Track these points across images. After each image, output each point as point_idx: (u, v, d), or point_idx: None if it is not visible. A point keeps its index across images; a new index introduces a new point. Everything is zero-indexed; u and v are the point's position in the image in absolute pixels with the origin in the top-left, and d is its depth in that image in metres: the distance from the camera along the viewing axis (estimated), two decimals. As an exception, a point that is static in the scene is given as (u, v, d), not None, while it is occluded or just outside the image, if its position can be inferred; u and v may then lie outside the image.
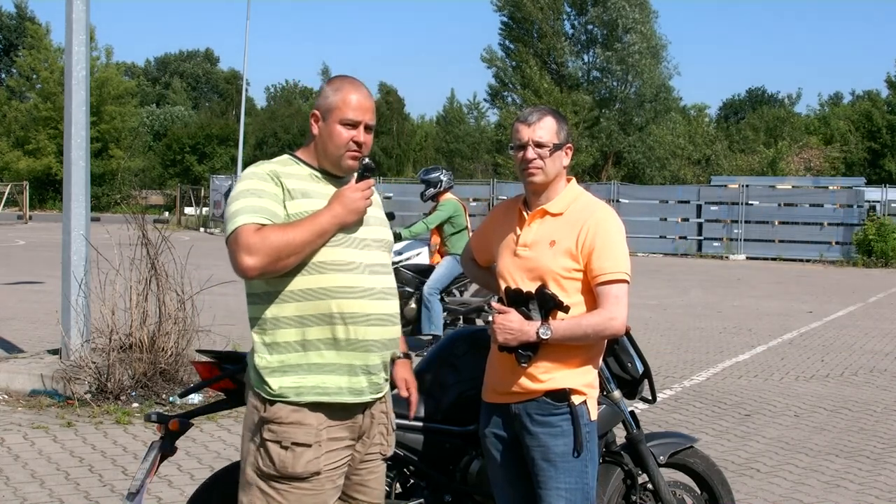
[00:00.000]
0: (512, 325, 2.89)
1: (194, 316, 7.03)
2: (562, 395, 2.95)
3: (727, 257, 26.85)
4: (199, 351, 3.49)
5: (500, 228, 3.16)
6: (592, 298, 2.95)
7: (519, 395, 2.99)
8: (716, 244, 27.38)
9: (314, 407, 2.63)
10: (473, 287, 9.28)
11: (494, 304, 3.01)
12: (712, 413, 7.08)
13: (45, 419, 6.19)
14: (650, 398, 3.55)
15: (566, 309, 2.90)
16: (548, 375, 2.95)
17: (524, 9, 47.25)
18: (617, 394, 3.39)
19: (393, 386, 2.93)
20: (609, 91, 48.79)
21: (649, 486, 3.53)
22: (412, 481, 3.40)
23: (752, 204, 27.33)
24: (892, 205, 26.20)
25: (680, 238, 28.12)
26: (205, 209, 41.09)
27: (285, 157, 2.80)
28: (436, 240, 9.20)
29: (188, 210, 43.24)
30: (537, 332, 2.87)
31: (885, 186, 27.67)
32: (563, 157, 3.05)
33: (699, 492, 3.76)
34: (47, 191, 53.47)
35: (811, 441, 6.30)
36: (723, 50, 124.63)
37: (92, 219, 7.62)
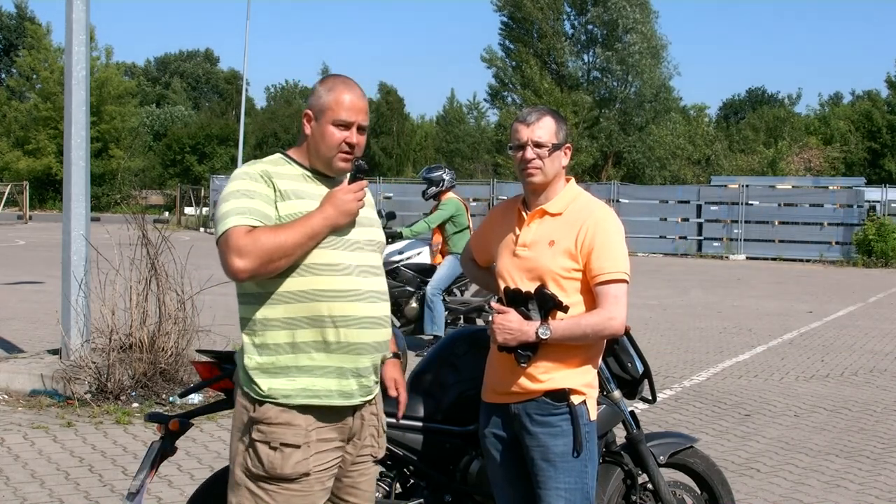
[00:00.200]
0: (511, 324, 2.89)
1: (194, 316, 7.03)
2: (561, 395, 2.95)
3: (727, 257, 26.85)
4: (199, 351, 3.49)
5: (500, 229, 3.16)
6: (591, 298, 2.95)
7: (518, 395, 2.99)
8: (716, 244, 27.38)
9: (303, 408, 2.61)
10: (474, 287, 9.28)
11: (494, 304, 3.01)
12: (712, 413, 7.08)
13: (45, 419, 6.19)
14: (650, 398, 3.55)
15: (565, 309, 2.90)
16: (547, 375, 2.95)
17: (524, 9, 47.27)
18: (617, 394, 3.39)
19: (382, 387, 2.92)
20: (609, 91, 48.81)
21: (649, 486, 3.53)
22: (412, 481, 3.40)
23: (752, 204, 27.34)
24: (892, 205, 26.21)
25: (680, 238, 28.12)
26: (205, 209, 41.07)
27: (277, 156, 2.77)
28: (437, 239, 9.20)
29: (188, 210, 43.24)
30: (536, 332, 2.87)
31: (885, 186, 27.69)
32: (561, 157, 3.05)
33: (699, 492, 3.76)
34: (47, 191, 53.48)
35: (811, 441, 6.30)
36: (723, 50, 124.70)
37: (92, 219, 7.62)
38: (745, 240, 27.04)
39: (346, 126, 2.68)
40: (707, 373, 8.72)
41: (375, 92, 60.65)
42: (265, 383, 2.61)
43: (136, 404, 6.53)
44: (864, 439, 6.37)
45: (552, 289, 2.92)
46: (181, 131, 60.49)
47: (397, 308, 8.98)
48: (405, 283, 8.99)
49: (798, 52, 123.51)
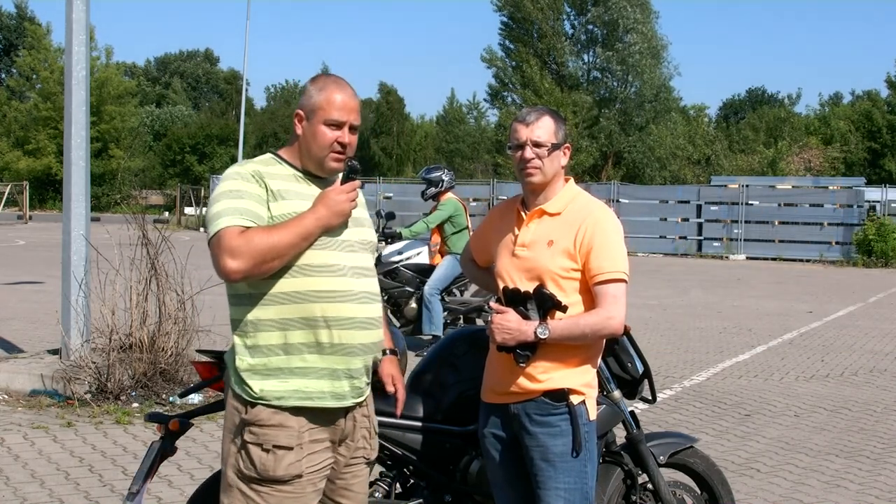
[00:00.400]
0: (510, 324, 2.89)
1: (194, 316, 7.03)
2: (560, 395, 2.95)
3: (727, 257, 26.85)
4: (199, 351, 3.48)
5: (499, 229, 3.16)
6: (590, 298, 2.95)
7: (517, 395, 2.99)
8: (716, 244, 27.39)
9: (296, 410, 2.59)
10: (473, 287, 9.28)
11: (492, 303, 3.01)
12: (712, 413, 7.08)
13: (45, 419, 6.19)
14: (650, 398, 3.55)
15: (564, 308, 2.90)
16: (546, 375, 2.95)
17: (524, 9, 47.30)
18: (617, 394, 3.39)
19: (380, 384, 2.91)
20: (609, 91, 48.84)
21: (649, 486, 3.53)
22: (412, 481, 3.39)
23: (752, 204, 27.35)
24: (892, 205, 26.23)
25: (680, 238, 28.14)
26: (205, 209, 40.98)
27: (268, 156, 2.76)
28: (436, 239, 9.20)
29: (188, 210, 43.24)
30: (535, 332, 2.87)
31: (885, 186, 27.72)
32: (561, 157, 3.05)
33: (699, 492, 3.76)
34: (47, 191, 53.49)
35: (811, 441, 6.30)
36: (723, 50, 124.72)
37: (92, 219, 7.62)
38: (745, 240, 27.05)
39: (338, 125, 2.66)
40: (707, 373, 8.72)
41: (375, 92, 60.79)
42: (257, 385, 2.59)
43: (136, 404, 6.53)
44: (864, 439, 6.37)
45: (551, 288, 2.92)
46: (181, 131, 60.49)
47: (396, 308, 8.98)
48: (404, 283, 9.00)
49: (798, 52, 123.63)
